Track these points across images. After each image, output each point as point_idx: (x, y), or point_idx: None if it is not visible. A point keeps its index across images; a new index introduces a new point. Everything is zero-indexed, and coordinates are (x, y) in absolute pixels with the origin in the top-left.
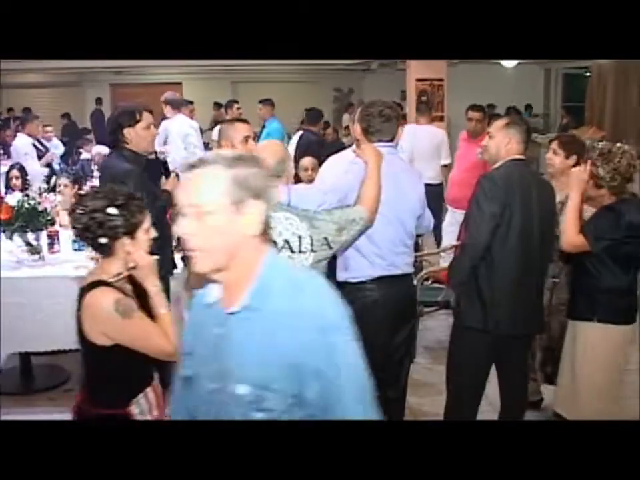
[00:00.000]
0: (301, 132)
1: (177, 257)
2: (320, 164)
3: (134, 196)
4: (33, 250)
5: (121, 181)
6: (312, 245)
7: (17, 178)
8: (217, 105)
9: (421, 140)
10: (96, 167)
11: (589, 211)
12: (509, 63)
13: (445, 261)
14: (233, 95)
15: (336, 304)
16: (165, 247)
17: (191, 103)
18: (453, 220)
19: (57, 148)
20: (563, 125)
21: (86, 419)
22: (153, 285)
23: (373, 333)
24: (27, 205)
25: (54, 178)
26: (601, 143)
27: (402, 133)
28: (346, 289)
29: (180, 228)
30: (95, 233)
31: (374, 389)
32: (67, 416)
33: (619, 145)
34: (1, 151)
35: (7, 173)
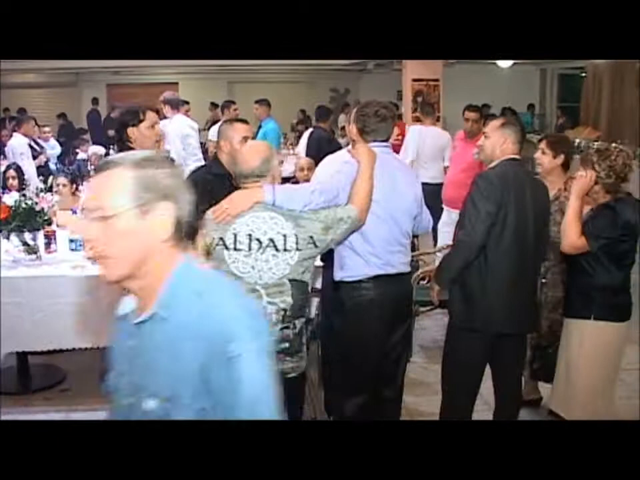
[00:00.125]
0: (311, 129)
1: None
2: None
3: None
4: (30, 250)
5: None
6: (297, 243)
7: (13, 178)
8: (213, 105)
9: (426, 141)
10: (92, 167)
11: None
12: (505, 63)
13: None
14: (229, 95)
15: (243, 313)
16: None
17: (187, 103)
18: (448, 220)
19: (53, 148)
20: (559, 125)
21: None
22: None
23: (369, 331)
24: (24, 205)
25: (51, 178)
26: (596, 143)
27: (407, 132)
28: (342, 288)
29: (85, 234)
30: None
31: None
32: (63, 415)
33: (614, 144)
34: None
35: (4, 172)
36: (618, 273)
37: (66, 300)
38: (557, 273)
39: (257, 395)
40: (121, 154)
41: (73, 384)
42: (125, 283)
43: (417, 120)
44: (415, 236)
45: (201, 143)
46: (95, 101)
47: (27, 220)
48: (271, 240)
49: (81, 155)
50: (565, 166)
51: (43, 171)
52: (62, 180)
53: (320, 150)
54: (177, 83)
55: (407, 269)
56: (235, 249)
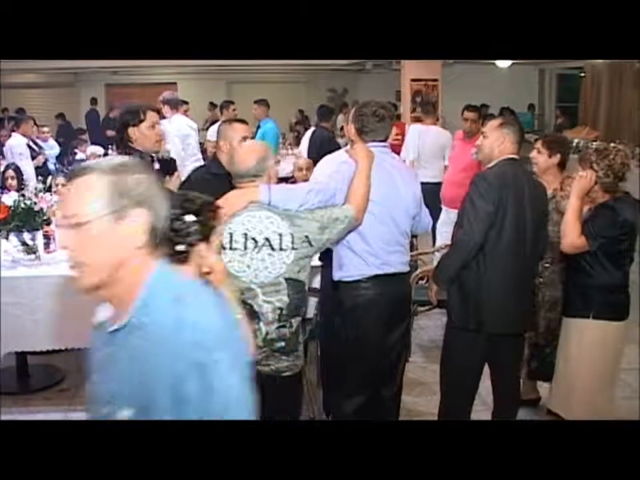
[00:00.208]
0: (313, 129)
1: None
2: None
3: (208, 201)
4: (29, 250)
5: None
6: (293, 242)
7: (12, 178)
8: (212, 105)
9: (427, 140)
10: None
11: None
12: (504, 63)
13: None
14: (227, 95)
15: (218, 322)
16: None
17: (186, 103)
18: (447, 220)
19: (52, 148)
20: (557, 125)
21: None
22: (227, 290)
23: (368, 331)
24: (23, 205)
25: (50, 178)
26: (595, 143)
27: (407, 132)
28: (341, 288)
29: (61, 241)
30: (172, 241)
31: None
32: (63, 415)
33: (612, 144)
34: None
35: (3, 173)
36: (617, 272)
37: (65, 300)
38: (554, 273)
39: (230, 404)
40: (95, 160)
41: (72, 384)
42: (99, 290)
43: (416, 120)
44: (414, 236)
45: (200, 143)
46: (94, 101)
47: (26, 220)
48: (267, 239)
49: (80, 155)
50: (561, 166)
51: (42, 171)
52: (61, 180)
53: (322, 150)
54: (175, 83)
55: (406, 268)
56: (231, 248)
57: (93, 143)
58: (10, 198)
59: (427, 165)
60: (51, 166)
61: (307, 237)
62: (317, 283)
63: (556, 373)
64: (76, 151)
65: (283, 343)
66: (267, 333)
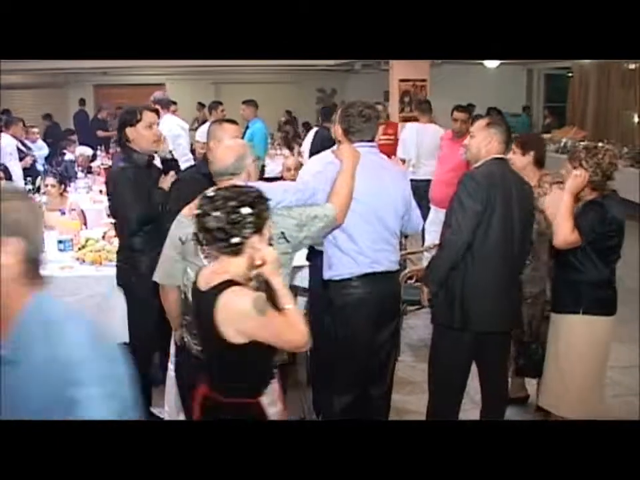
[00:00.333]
0: (316, 129)
1: None
2: None
3: (261, 193)
4: None
5: (114, 179)
6: (270, 237)
7: (0, 179)
8: (201, 105)
9: (424, 138)
10: (79, 168)
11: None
12: (492, 64)
13: (428, 260)
14: (215, 96)
15: (90, 356)
16: (157, 245)
17: (174, 103)
18: (436, 219)
19: (41, 149)
20: (546, 125)
21: (216, 409)
22: (278, 280)
23: (357, 330)
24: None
25: (39, 179)
26: (582, 143)
27: (403, 132)
28: (331, 287)
29: None
30: (229, 233)
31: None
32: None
33: (600, 144)
34: None
35: None
36: (605, 269)
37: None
38: (534, 269)
39: None
40: None
41: None
42: None
43: (405, 120)
44: (405, 236)
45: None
46: (82, 101)
47: None
48: None
49: (69, 156)
50: (538, 163)
51: (30, 172)
52: (50, 181)
53: (323, 150)
54: (163, 84)
55: (395, 267)
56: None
57: (81, 144)
58: None
59: (426, 162)
60: (39, 167)
61: (282, 233)
62: (305, 282)
63: (545, 369)
64: (64, 151)
65: None
66: None
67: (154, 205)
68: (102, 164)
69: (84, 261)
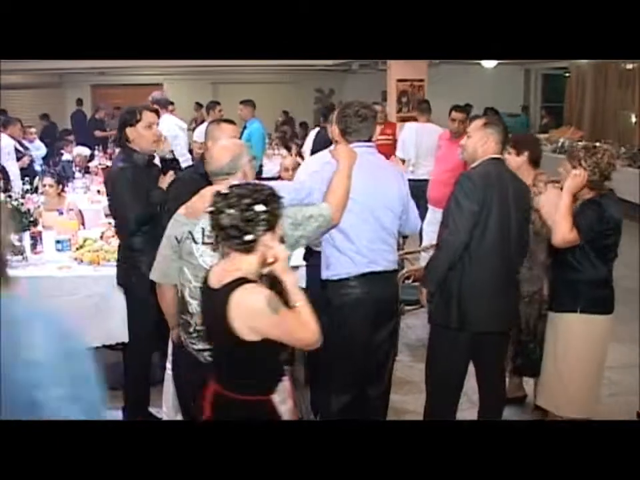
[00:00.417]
0: (317, 129)
1: None
2: None
3: (274, 191)
4: (16, 250)
5: (113, 179)
6: None
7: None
8: (198, 105)
9: (424, 138)
10: (77, 168)
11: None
12: (489, 64)
13: (425, 260)
14: (213, 96)
15: (53, 357)
16: (156, 245)
17: (172, 103)
18: (433, 219)
19: (39, 149)
20: (543, 125)
21: (228, 406)
22: (290, 278)
23: (355, 330)
24: (9, 206)
25: (36, 179)
26: (581, 143)
27: (403, 131)
28: (329, 287)
29: None
30: (242, 231)
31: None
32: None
33: (598, 144)
34: None
35: None
36: (603, 267)
37: (52, 300)
38: (530, 269)
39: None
40: None
41: None
42: None
43: (402, 120)
44: (404, 237)
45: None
46: (80, 101)
47: (13, 221)
48: None
49: (66, 156)
50: (533, 163)
51: (27, 171)
52: (48, 181)
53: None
54: (161, 84)
55: (393, 266)
56: (204, 243)
57: (78, 144)
58: None
59: (425, 162)
60: (37, 167)
61: None
62: (303, 282)
63: (543, 368)
64: (62, 151)
65: None
66: None
67: (153, 205)
68: (99, 164)
69: (82, 261)
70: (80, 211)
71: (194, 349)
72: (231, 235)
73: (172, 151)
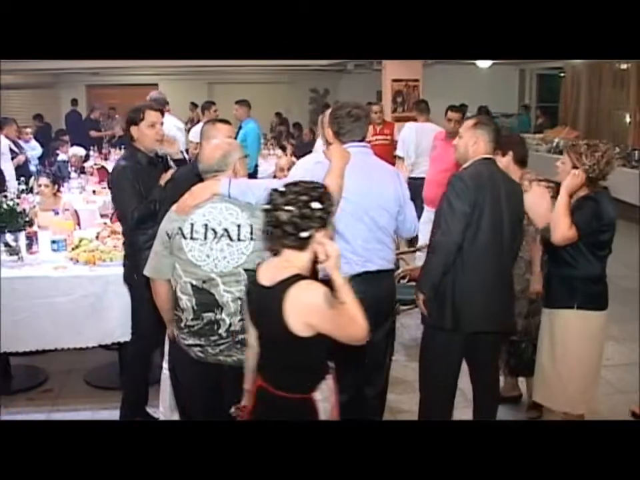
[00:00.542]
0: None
1: None
2: None
3: (327, 189)
4: (12, 251)
5: (114, 177)
6: (251, 233)
7: None
8: (194, 105)
9: (424, 137)
10: (72, 168)
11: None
12: (484, 64)
13: (420, 260)
14: (208, 96)
15: None
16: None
17: (167, 103)
18: (428, 219)
19: (34, 149)
20: (538, 125)
21: (269, 401)
22: (340, 275)
23: None
24: (5, 206)
25: (32, 179)
26: (581, 141)
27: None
28: None
29: None
30: (299, 228)
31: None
32: (45, 416)
33: (599, 142)
34: None
35: None
36: (597, 264)
37: (48, 300)
38: (518, 268)
39: None
40: None
41: (55, 385)
42: None
43: (397, 120)
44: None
45: None
46: (75, 102)
47: (9, 221)
48: (225, 230)
49: (61, 157)
50: (519, 162)
51: (22, 171)
52: (44, 181)
53: None
54: (156, 84)
55: (389, 266)
56: (192, 238)
57: (74, 144)
58: None
59: (425, 161)
60: (32, 167)
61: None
62: None
63: (539, 365)
64: (57, 152)
65: (245, 335)
66: (230, 324)
67: (153, 203)
68: (95, 164)
69: (77, 261)
70: (75, 211)
71: (185, 344)
72: (287, 231)
73: (182, 151)
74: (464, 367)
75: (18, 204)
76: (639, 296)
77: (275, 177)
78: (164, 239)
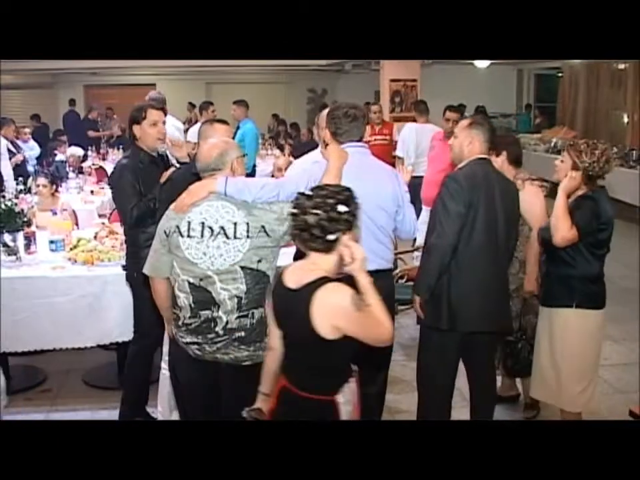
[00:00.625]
0: None
1: None
2: None
3: (353, 192)
4: (10, 251)
5: (115, 175)
6: (248, 231)
7: None
8: (191, 105)
9: (423, 138)
10: (71, 168)
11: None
12: (482, 64)
13: (418, 260)
14: (206, 96)
15: None
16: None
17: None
18: (426, 219)
19: (32, 149)
20: (536, 125)
21: (292, 402)
22: (365, 277)
23: None
24: (3, 206)
25: (30, 179)
26: (581, 140)
27: (402, 131)
28: None
29: None
30: (326, 230)
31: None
32: (44, 416)
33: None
34: None
35: None
36: (596, 262)
37: (47, 300)
38: (511, 267)
39: None
40: None
41: (53, 385)
42: None
43: (395, 120)
44: None
45: None
46: (72, 102)
47: (7, 221)
48: (222, 227)
49: (59, 157)
50: (514, 162)
51: (20, 171)
52: (42, 181)
53: None
54: (154, 84)
55: (388, 265)
56: (189, 236)
57: (71, 144)
58: None
59: (424, 161)
60: (30, 167)
61: (263, 227)
62: None
63: (538, 363)
64: (55, 152)
65: (242, 333)
66: (227, 322)
67: (151, 201)
68: (93, 164)
69: (76, 261)
70: (74, 211)
71: (183, 342)
72: (314, 234)
73: (189, 154)
74: (461, 366)
75: (16, 204)
76: (638, 296)
77: (272, 176)
78: (162, 237)
